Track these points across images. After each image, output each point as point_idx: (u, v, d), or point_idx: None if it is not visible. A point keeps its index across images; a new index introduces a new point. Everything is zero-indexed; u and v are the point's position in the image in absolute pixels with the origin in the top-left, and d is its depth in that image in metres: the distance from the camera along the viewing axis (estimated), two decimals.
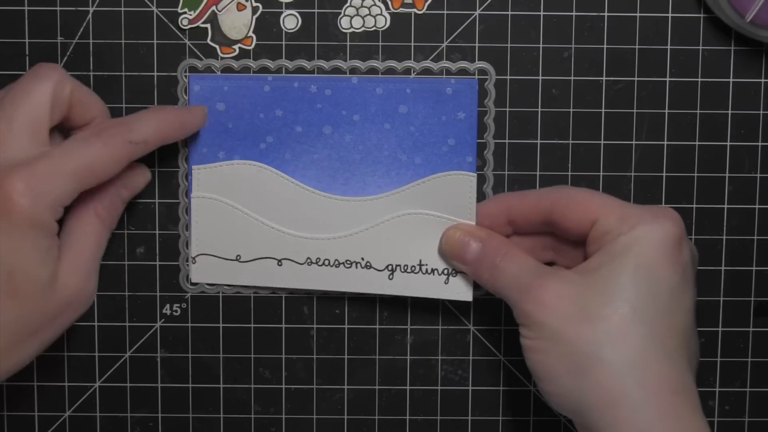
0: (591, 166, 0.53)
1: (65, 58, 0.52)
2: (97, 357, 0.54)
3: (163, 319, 0.54)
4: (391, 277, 0.53)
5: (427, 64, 0.52)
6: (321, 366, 0.55)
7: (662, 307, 0.44)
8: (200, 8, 0.52)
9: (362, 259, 0.53)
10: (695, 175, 0.53)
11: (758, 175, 0.53)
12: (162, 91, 0.53)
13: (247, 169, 0.53)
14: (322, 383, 0.55)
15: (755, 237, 0.54)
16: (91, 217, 0.48)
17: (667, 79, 0.53)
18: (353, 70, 0.53)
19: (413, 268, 0.53)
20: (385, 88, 0.52)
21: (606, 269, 0.45)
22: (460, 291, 0.52)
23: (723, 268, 0.54)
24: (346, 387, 0.55)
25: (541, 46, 0.52)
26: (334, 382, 0.55)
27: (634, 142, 0.53)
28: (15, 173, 0.43)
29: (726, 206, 0.53)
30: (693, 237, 0.53)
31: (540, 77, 0.53)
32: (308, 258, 0.53)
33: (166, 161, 0.53)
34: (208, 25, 0.52)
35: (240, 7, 0.52)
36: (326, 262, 0.53)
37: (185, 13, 0.52)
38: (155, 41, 0.52)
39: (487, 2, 0.52)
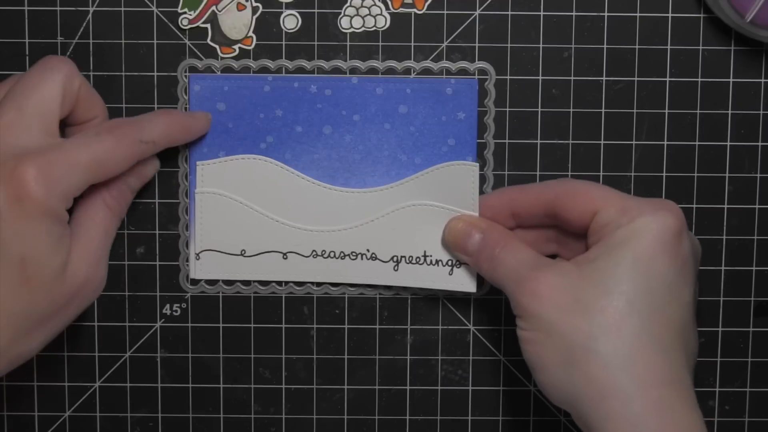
0: (591, 166, 0.53)
1: (63, 57, 0.52)
2: (97, 357, 0.54)
3: (163, 319, 0.54)
4: (396, 268, 0.53)
5: (427, 64, 0.52)
6: (321, 366, 0.55)
7: (659, 300, 0.44)
8: (200, 8, 0.52)
9: (367, 250, 0.53)
10: (695, 175, 0.53)
11: (758, 175, 0.53)
12: (162, 91, 0.53)
13: (251, 163, 0.53)
14: (322, 383, 0.55)
15: (755, 237, 0.54)
16: (100, 206, 0.49)
17: (667, 79, 0.53)
18: (353, 70, 0.53)
19: (418, 259, 0.53)
20: (385, 88, 0.52)
21: (603, 261, 0.45)
22: (464, 282, 0.52)
23: (723, 268, 0.54)
24: (346, 387, 0.55)
25: (541, 46, 0.52)
26: (334, 382, 0.55)
27: (634, 142, 0.53)
28: (29, 160, 0.43)
29: (726, 206, 0.53)
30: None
31: (540, 77, 0.53)
32: (313, 251, 0.53)
33: (166, 161, 0.53)
34: (208, 25, 0.52)
35: (240, 7, 0.52)
36: (332, 254, 0.53)
37: (185, 13, 0.52)
38: (155, 41, 0.52)
39: (487, 2, 0.52)
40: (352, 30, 0.53)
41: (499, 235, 0.49)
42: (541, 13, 0.52)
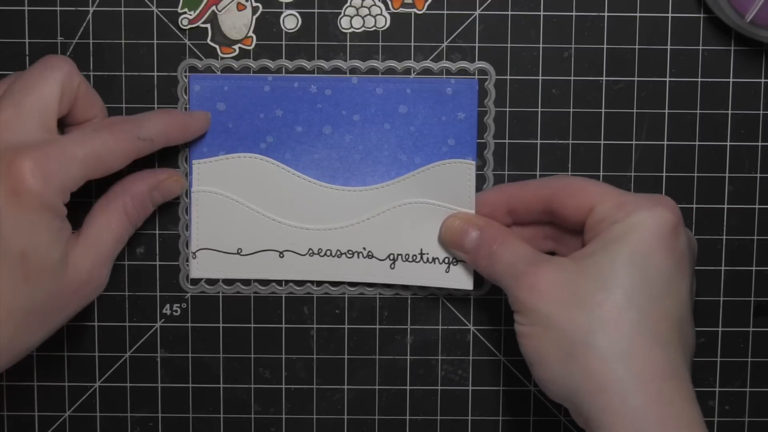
0: (591, 166, 0.53)
1: (63, 55, 0.52)
2: (97, 357, 0.54)
3: (163, 319, 0.54)
4: (392, 266, 0.53)
5: (427, 64, 0.52)
6: (321, 366, 0.55)
7: (656, 294, 0.44)
8: (200, 8, 0.52)
9: (364, 248, 0.53)
10: (695, 175, 0.53)
11: (758, 175, 0.53)
12: (162, 91, 0.53)
13: (248, 161, 0.53)
14: (322, 383, 0.55)
15: (755, 237, 0.54)
16: (120, 213, 0.49)
17: (667, 79, 0.53)
18: (353, 70, 0.53)
19: (414, 257, 0.53)
20: (385, 88, 0.52)
21: (600, 256, 0.45)
22: (460, 280, 0.53)
23: (723, 268, 0.54)
24: (346, 387, 0.55)
25: (541, 46, 0.52)
26: (334, 382, 0.55)
27: (634, 142, 0.53)
28: (26, 154, 0.43)
29: (726, 206, 0.53)
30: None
31: (540, 77, 0.53)
32: (310, 249, 0.53)
33: (167, 161, 0.53)
34: (208, 25, 0.52)
35: (240, 7, 0.52)
36: (328, 253, 0.53)
37: (185, 13, 0.52)
38: (155, 41, 0.52)
39: (487, 2, 0.52)
40: (352, 30, 0.53)
41: (496, 232, 0.49)
42: (541, 13, 0.52)
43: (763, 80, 0.53)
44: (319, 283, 0.54)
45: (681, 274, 0.45)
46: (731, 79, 0.53)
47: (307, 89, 0.52)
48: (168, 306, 0.54)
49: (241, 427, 0.55)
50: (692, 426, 0.43)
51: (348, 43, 0.53)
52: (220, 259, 0.53)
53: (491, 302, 0.54)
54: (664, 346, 0.44)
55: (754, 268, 0.54)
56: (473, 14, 0.52)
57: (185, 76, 0.52)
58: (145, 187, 0.50)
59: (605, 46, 0.53)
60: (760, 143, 0.53)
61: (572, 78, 0.53)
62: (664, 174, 0.53)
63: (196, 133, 0.52)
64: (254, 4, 0.52)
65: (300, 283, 0.54)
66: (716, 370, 0.54)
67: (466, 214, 0.52)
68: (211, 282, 0.54)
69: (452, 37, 0.53)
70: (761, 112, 0.53)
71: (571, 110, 0.53)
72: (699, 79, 0.53)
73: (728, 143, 0.53)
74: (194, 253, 0.53)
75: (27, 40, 0.52)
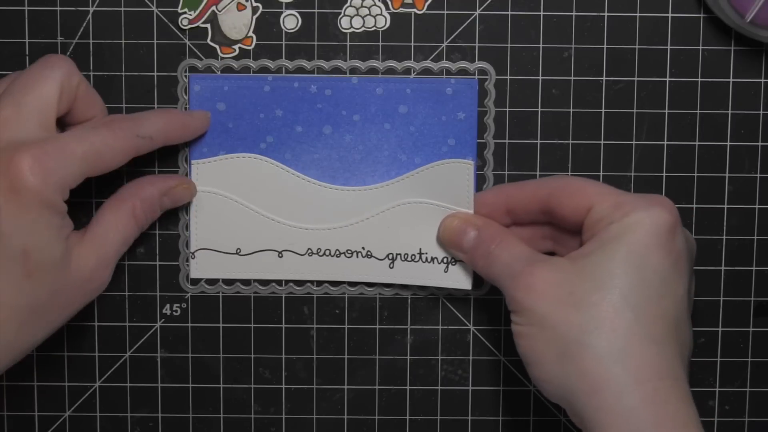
0: (591, 166, 0.53)
1: (63, 55, 0.52)
2: (97, 357, 0.54)
3: (163, 319, 0.54)
4: (391, 266, 0.53)
5: (427, 64, 0.52)
6: (321, 366, 0.55)
7: (652, 294, 0.44)
8: (200, 8, 0.52)
9: (363, 248, 0.53)
10: (695, 175, 0.53)
11: (758, 175, 0.53)
12: (162, 91, 0.53)
13: (247, 161, 0.53)
14: (322, 383, 0.55)
15: (755, 237, 0.54)
16: (128, 215, 0.49)
17: (667, 79, 0.53)
18: (353, 70, 0.53)
19: (413, 257, 0.53)
20: (385, 88, 0.52)
21: (597, 255, 0.45)
22: (459, 279, 0.53)
23: (723, 268, 0.54)
24: (346, 387, 0.55)
25: (541, 46, 0.52)
26: (334, 382, 0.55)
27: (634, 142, 0.53)
28: (25, 151, 0.43)
29: (726, 206, 0.53)
30: (693, 237, 0.53)
31: (540, 77, 0.53)
32: (309, 249, 0.53)
33: (166, 161, 0.53)
34: (208, 25, 0.52)
35: (240, 7, 0.52)
36: (327, 253, 0.53)
37: (185, 13, 0.52)
38: (155, 41, 0.52)
39: (487, 2, 0.52)
40: (352, 30, 0.53)
41: (494, 232, 0.50)
42: (541, 13, 0.52)
43: (763, 80, 0.53)
44: (319, 283, 0.54)
45: (678, 275, 0.45)
46: (731, 79, 0.53)
47: (307, 89, 0.52)
48: (168, 306, 0.54)
49: (241, 427, 0.55)
50: (688, 426, 0.43)
51: (348, 43, 0.53)
52: (219, 260, 0.53)
53: (491, 302, 0.54)
54: (661, 346, 0.44)
55: (754, 268, 0.54)
56: (473, 14, 0.52)
57: (185, 76, 0.52)
58: (155, 192, 0.50)
59: (605, 46, 0.53)
60: (760, 143, 0.53)
61: (572, 78, 0.53)
62: (664, 174, 0.53)
63: (196, 133, 0.52)
64: (254, 4, 0.52)
65: (300, 283, 0.54)
66: (716, 370, 0.54)
67: (465, 214, 0.52)
68: (211, 282, 0.54)
69: (452, 37, 0.53)
70: (761, 112, 0.53)
71: (571, 110, 0.53)
72: (699, 79, 0.53)
73: (728, 143, 0.53)
74: (193, 254, 0.53)
75: (27, 40, 0.52)
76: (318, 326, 0.54)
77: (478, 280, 0.53)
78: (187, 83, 0.52)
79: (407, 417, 0.55)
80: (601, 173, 0.53)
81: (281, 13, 0.52)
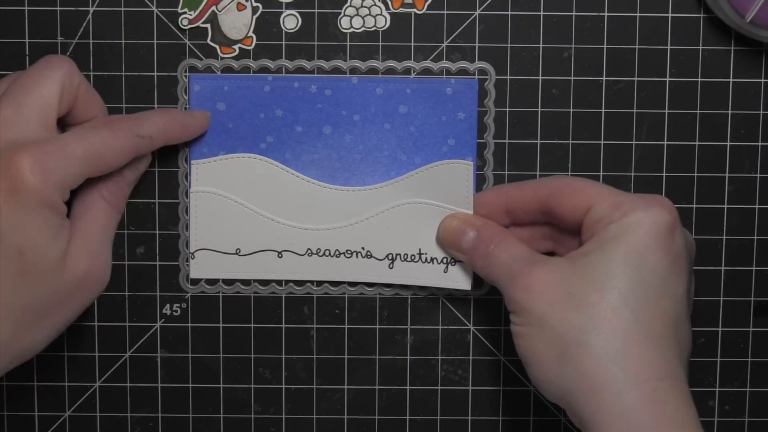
0: (591, 166, 0.53)
1: (64, 55, 0.52)
2: (97, 357, 0.54)
3: (163, 319, 0.54)
4: (391, 266, 0.53)
5: (427, 64, 0.52)
6: (321, 366, 0.55)
7: (651, 294, 0.44)
8: (200, 8, 0.52)
9: (362, 248, 0.53)
10: (695, 175, 0.53)
11: (758, 175, 0.53)
12: (162, 91, 0.53)
13: (246, 162, 0.53)
14: (322, 383, 0.55)
15: (755, 237, 0.54)
16: (98, 200, 0.49)
17: (667, 79, 0.53)
18: (353, 70, 0.53)
19: (413, 257, 0.53)
20: (385, 88, 0.52)
21: (595, 256, 0.45)
22: (459, 280, 0.53)
23: (723, 268, 0.54)
24: (346, 387, 0.55)
25: (541, 46, 0.52)
26: (334, 382, 0.55)
27: (634, 142, 0.53)
28: (25, 151, 0.43)
29: (726, 206, 0.53)
30: (693, 237, 0.53)
31: (540, 77, 0.53)
32: (308, 249, 0.53)
33: (166, 161, 0.53)
34: (208, 25, 0.52)
35: (240, 7, 0.52)
36: (327, 253, 0.53)
37: (185, 13, 0.52)
38: (155, 41, 0.52)
39: (487, 2, 0.52)
40: (352, 30, 0.53)
41: (494, 233, 0.50)
42: (541, 13, 0.52)
43: (763, 80, 0.53)
44: (319, 283, 0.54)
45: (677, 275, 0.45)
46: (731, 79, 0.53)
47: (307, 89, 0.52)
48: (168, 306, 0.54)
49: (241, 427, 0.55)
50: (687, 426, 0.43)
51: (348, 43, 0.53)
52: (219, 260, 0.53)
53: (491, 302, 0.54)
54: (659, 346, 0.44)
55: (754, 268, 0.54)
56: (473, 14, 0.52)
57: (185, 76, 0.52)
58: (115, 171, 0.49)
59: (605, 46, 0.52)
60: (760, 143, 0.53)
61: (572, 78, 0.53)
62: (664, 174, 0.53)
63: (196, 132, 0.52)
64: (254, 4, 0.52)
65: (300, 283, 0.54)
66: (716, 370, 0.54)
67: (464, 214, 0.52)
68: (211, 282, 0.54)
69: (452, 37, 0.52)
70: (761, 112, 0.53)
71: (571, 110, 0.53)
72: (699, 79, 0.53)
73: (728, 143, 0.53)
74: (193, 254, 0.53)
75: (27, 40, 0.52)
76: (318, 326, 0.54)
77: (477, 280, 0.53)
78: (187, 83, 0.52)
79: (407, 417, 0.55)
80: (601, 173, 0.53)
81: (281, 13, 0.52)
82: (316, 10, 0.52)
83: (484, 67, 0.52)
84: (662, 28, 0.52)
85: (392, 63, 0.52)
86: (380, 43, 0.53)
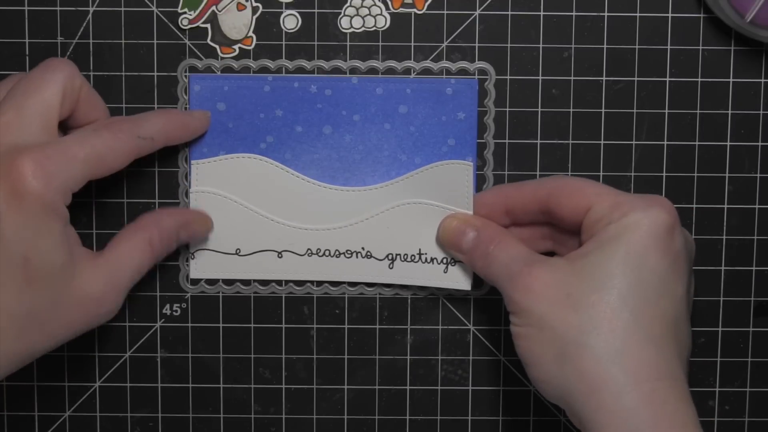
0: (591, 166, 0.53)
1: (65, 58, 0.52)
2: (97, 357, 0.54)
3: (163, 319, 0.54)
4: (391, 266, 0.53)
5: (427, 64, 0.52)
6: (321, 366, 0.55)
7: (650, 294, 0.44)
8: (200, 8, 0.52)
9: (362, 248, 0.53)
10: (695, 175, 0.53)
11: (758, 175, 0.53)
12: (162, 91, 0.53)
13: (246, 162, 0.53)
14: (322, 383, 0.55)
15: (755, 237, 0.54)
16: (145, 243, 0.48)
17: (667, 79, 0.53)
18: (353, 70, 0.53)
19: (413, 257, 0.53)
20: (385, 88, 0.52)
21: (595, 256, 0.45)
22: (459, 280, 0.53)
23: (723, 268, 0.54)
24: (346, 387, 0.55)
25: (541, 46, 0.52)
26: (334, 382, 0.55)
27: (634, 142, 0.53)
28: (26, 155, 0.43)
29: (726, 206, 0.53)
30: (693, 237, 0.53)
31: (540, 77, 0.53)
32: (308, 249, 0.53)
33: (166, 161, 0.53)
34: (208, 25, 0.52)
35: (240, 7, 0.52)
36: (327, 253, 0.53)
37: (185, 13, 0.52)
38: (155, 41, 0.52)
39: (487, 2, 0.52)
40: (352, 30, 0.53)
41: (493, 233, 0.50)
42: (541, 13, 0.52)
43: (763, 80, 0.53)
44: (319, 283, 0.54)
45: (676, 275, 0.45)
46: (731, 79, 0.53)
47: (307, 89, 0.52)
48: (168, 306, 0.54)
49: (241, 427, 0.55)
50: (686, 426, 0.43)
51: (348, 43, 0.53)
52: (219, 260, 0.53)
53: (491, 302, 0.54)
54: (659, 346, 0.44)
55: (754, 268, 0.54)
56: (473, 14, 0.52)
57: (185, 76, 0.52)
58: (173, 224, 0.50)
59: (605, 46, 0.53)
60: (760, 143, 0.53)
61: (572, 78, 0.53)
62: (664, 174, 0.53)
63: (196, 132, 0.52)
64: (254, 4, 0.52)
65: (300, 283, 0.54)
66: (716, 370, 0.54)
67: (464, 214, 0.52)
68: (211, 282, 0.54)
69: (452, 37, 0.53)
70: (761, 112, 0.53)
71: (571, 110, 0.53)
72: (699, 79, 0.53)
73: (728, 143, 0.53)
74: (193, 254, 0.53)
75: (27, 40, 0.52)
76: (318, 326, 0.54)
77: (477, 280, 0.53)
78: (187, 83, 0.52)
79: (407, 417, 0.55)
80: (601, 173, 0.53)
81: (281, 13, 0.52)
82: (316, 10, 0.52)
83: (484, 67, 0.52)
84: (662, 28, 0.52)
85: (392, 63, 0.53)
86: (380, 43, 0.53)
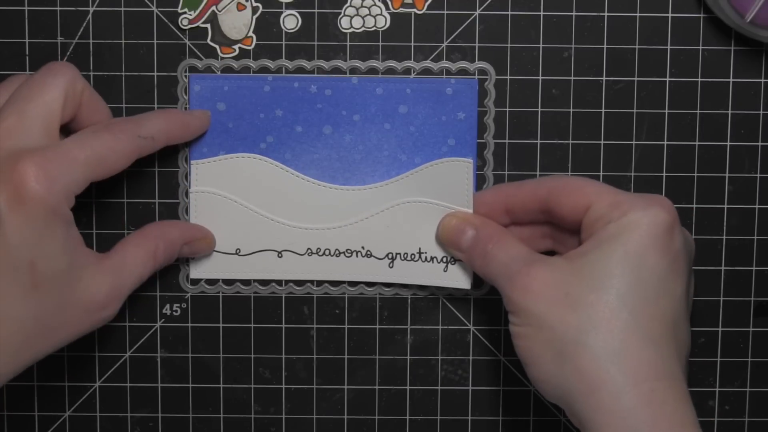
0: (591, 166, 0.53)
1: (65, 58, 0.52)
2: (97, 357, 0.54)
3: (163, 319, 0.54)
4: (391, 265, 0.53)
5: (427, 64, 0.52)
6: (321, 366, 0.55)
7: (649, 294, 0.44)
8: (200, 8, 0.52)
9: (362, 248, 0.53)
10: (695, 175, 0.53)
11: (758, 175, 0.53)
12: (162, 91, 0.53)
13: (246, 161, 0.53)
14: (322, 383, 0.55)
15: (755, 237, 0.54)
16: (150, 254, 0.49)
17: (667, 79, 0.53)
18: (353, 70, 0.53)
19: (413, 256, 0.53)
20: (385, 88, 0.52)
21: (594, 255, 0.45)
22: (458, 279, 0.53)
23: (723, 268, 0.54)
24: (346, 387, 0.55)
25: (541, 46, 0.52)
26: (334, 382, 0.55)
27: (634, 142, 0.53)
28: (28, 159, 0.43)
29: (726, 206, 0.53)
30: (693, 237, 0.53)
31: (540, 77, 0.53)
32: (308, 248, 0.53)
33: (166, 161, 0.53)
34: (208, 25, 0.52)
35: (240, 7, 0.52)
36: (327, 252, 0.53)
37: (185, 13, 0.52)
38: (155, 41, 0.52)
39: (487, 2, 0.52)
40: (352, 30, 0.53)
41: (492, 232, 0.50)
42: (541, 13, 0.52)
43: (763, 80, 0.53)
44: (319, 283, 0.54)
45: (676, 275, 0.45)
46: (731, 79, 0.53)
47: (307, 89, 0.52)
48: (168, 306, 0.54)
49: (241, 427, 0.55)
50: (685, 426, 0.43)
51: (348, 43, 0.53)
52: (219, 260, 0.53)
53: (491, 302, 0.54)
54: (658, 346, 0.44)
55: (754, 268, 0.54)
56: (473, 14, 0.52)
57: (185, 76, 0.52)
58: (178, 238, 0.50)
59: (605, 46, 0.53)
60: (760, 143, 0.53)
61: (572, 78, 0.53)
62: (664, 174, 0.53)
63: (197, 132, 0.52)
64: (254, 4, 0.52)
65: (300, 283, 0.54)
66: (716, 370, 0.54)
67: (463, 213, 0.52)
68: (211, 282, 0.54)
69: (452, 37, 0.53)
70: (761, 112, 0.53)
71: (571, 110, 0.53)
72: (699, 79, 0.53)
73: (728, 143, 0.53)
74: None
75: (27, 40, 0.52)
76: (318, 326, 0.54)
77: (478, 279, 0.53)
78: (187, 83, 0.52)
79: (407, 417, 0.55)
80: (601, 173, 0.53)
81: (281, 13, 0.52)
82: (316, 10, 0.52)
83: (484, 67, 0.52)
84: (662, 28, 0.52)
85: (392, 63, 0.53)
86: (380, 43, 0.53)
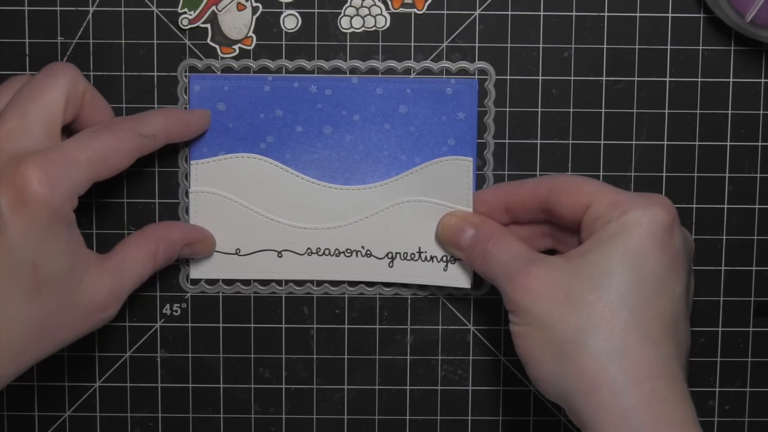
0: (591, 166, 0.53)
1: (65, 58, 0.52)
2: (97, 357, 0.54)
3: (163, 319, 0.54)
4: (391, 264, 0.53)
5: (427, 64, 0.52)
6: (321, 366, 0.55)
7: (649, 293, 0.44)
8: (200, 8, 0.52)
9: (362, 247, 0.53)
10: (695, 175, 0.53)
11: (758, 175, 0.53)
12: (162, 91, 0.53)
13: (246, 161, 0.53)
14: (322, 383, 0.55)
15: (755, 237, 0.54)
16: (150, 255, 0.49)
17: (667, 79, 0.53)
18: (353, 70, 0.53)
19: (413, 256, 0.53)
20: (385, 88, 0.52)
21: (593, 254, 0.45)
22: (458, 278, 0.53)
23: (723, 268, 0.54)
24: (346, 387, 0.55)
25: (541, 46, 0.52)
26: (334, 382, 0.55)
27: (634, 142, 0.53)
28: (30, 161, 0.43)
29: (726, 206, 0.53)
30: (693, 237, 0.53)
31: (540, 77, 0.53)
32: (308, 248, 0.53)
33: (166, 161, 0.53)
34: (208, 25, 0.52)
35: (240, 7, 0.52)
36: (326, 252, 0.53)
37: (185, 13, 0.52)
38: (155, 41, 0.52)
39: (487, 2, 0.52)
40: (352, 30, 0.53)
41: (492, 231, 0.49)
42: (541, 13, 0.52)
43: (763, 80, 0.53)
44: (319, 283, 0.54)
45: (675, 274, 0.45)
46: (731, 79, 0.53)
47: (307, 89, 0.52)
48: (168, 306, 0.54)
49: (241, 427, 0.55)
50: (685, 425, 0.43)
51: (348, 43, 0.53)
52: (218, 260, 0.53)
53: (491, 302, 0.54)
54: (658, 345, 0.44)
55: (754, 268, 0.54)
56: (473, 14, 0.52)
57: (185, 76, 0.53)
58: (180, 239, 0.50)
59: (605, 46, 0.53)
60: (760, 143, 0.53)
61: (572, 78, 0.53)
62: (664, 174, 0.53)
63: (197, 131, 0.52)
64: (254, 4, 0.52)
65: (300, 283, 0.54)
66: (716, 370, 0.54)
67: (463, 212, 0.52)
68: (211, 282, 0.54)
69: (452, 37, 0.53)
70: (761, 112, 0.53)
71: (571, 110, 0.53)
72: (699, 79, 0.53)
73: (728, 143, 0.53)
74: None
75: (27, 40, 0.52)
76: (318, 326, 0.54)
77: (478, 279, 0.53)
78: (187, 83, 0.52)
79: (407, 417, 0.55)
80: (601, 173, 0.53)
81: (281, 13, 0.52)
82: (316, 10, 0.52)
83: (484, 67, 0.52)
84: (662, 28, 0.52)
85: (392, 63, 0.53)
86: (380, 43, 0.53)
